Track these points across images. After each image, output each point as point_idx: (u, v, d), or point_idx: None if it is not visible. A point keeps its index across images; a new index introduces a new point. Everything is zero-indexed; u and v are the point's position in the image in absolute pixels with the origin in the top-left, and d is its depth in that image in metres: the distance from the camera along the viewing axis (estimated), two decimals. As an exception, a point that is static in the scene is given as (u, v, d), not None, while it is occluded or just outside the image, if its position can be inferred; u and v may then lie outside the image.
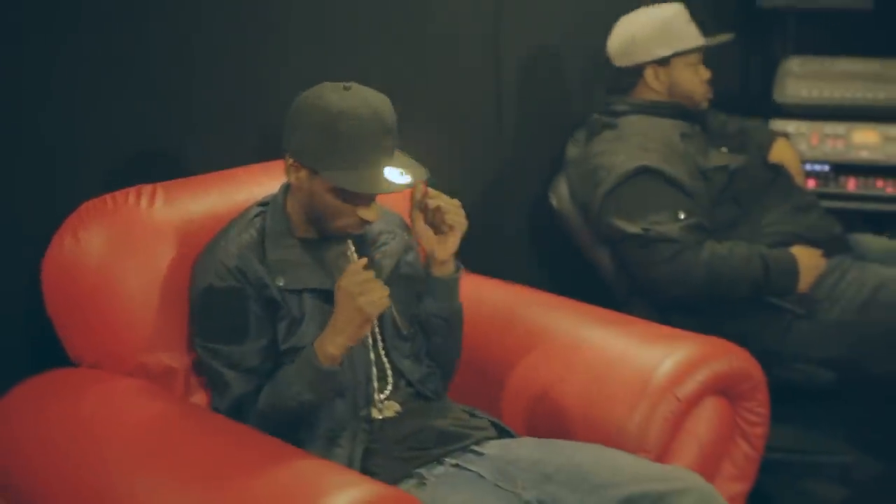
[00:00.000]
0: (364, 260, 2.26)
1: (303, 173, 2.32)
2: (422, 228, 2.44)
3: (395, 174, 2.27)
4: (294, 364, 2.30)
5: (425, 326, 2.51)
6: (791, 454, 3.21)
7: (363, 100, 2.27)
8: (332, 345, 2.25)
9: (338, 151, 2.25)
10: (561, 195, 3.36)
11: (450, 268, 2.48)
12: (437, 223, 2.43)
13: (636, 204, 3.11)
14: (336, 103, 2.25)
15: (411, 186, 2.30)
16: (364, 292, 2.21)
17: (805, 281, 3.10)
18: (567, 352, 2.65)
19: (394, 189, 2.26)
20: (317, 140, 2.26)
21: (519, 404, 2.65)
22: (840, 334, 3.08)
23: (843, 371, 3.10)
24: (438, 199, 2.41)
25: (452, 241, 2.44)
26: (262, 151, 2.61)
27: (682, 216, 3.08)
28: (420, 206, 2.42)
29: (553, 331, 2.73)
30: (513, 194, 3.57)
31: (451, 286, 2.49)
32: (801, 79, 3.82)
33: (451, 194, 2.44)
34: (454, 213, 2.42)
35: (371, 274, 2.24)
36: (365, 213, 2.33)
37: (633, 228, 3.10)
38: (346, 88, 2.28)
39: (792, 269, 3.09)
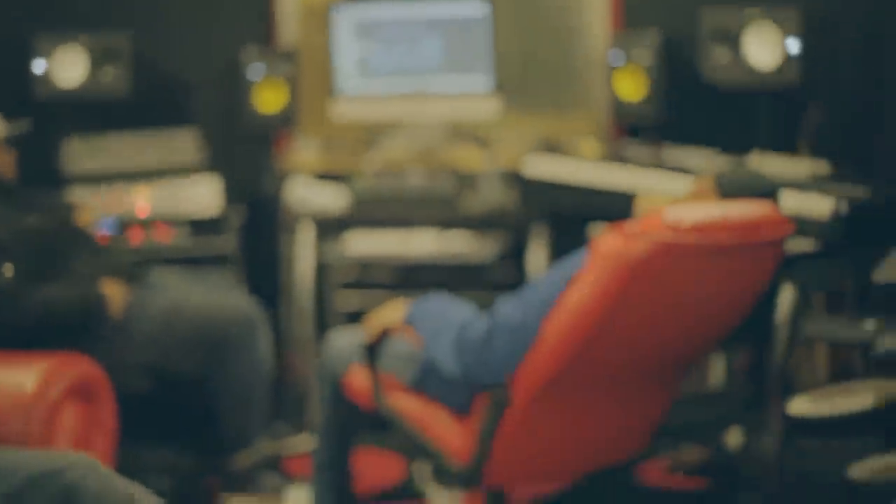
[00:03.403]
0: None
1: None
2: None
3: None
4: None
5: None
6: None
7: None
8: None
9: None
10: None
11: None
12: None
13: None
14: None
15: None
16: None
17: (116, 309, 3.80)
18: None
19: None
20: None
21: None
22: (148, 345, 3.83)
23: (157, 375, 3.86)
24: None
25: None
26: None
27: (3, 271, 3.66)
28: None
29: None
30: None
31: None
32: (83, 153, 4.53)
33: None
34: None
35: None
36: None
37: None
38: None
39: (98, 303, 3.77)
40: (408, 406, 3.21)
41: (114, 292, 3.82)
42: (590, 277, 2.83)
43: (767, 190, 3.07)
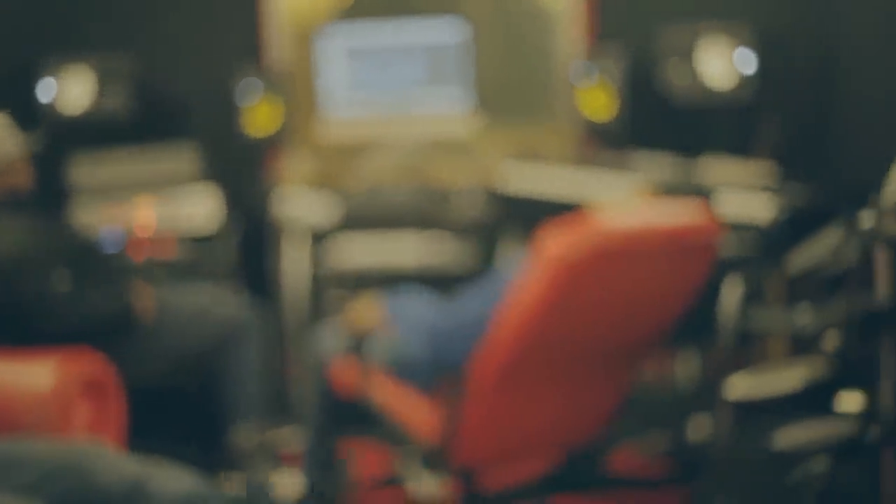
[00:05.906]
0: None
1: None
2: None
3: None
4: None
5: None
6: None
7: None
8: None
9: None
10: None
11: None
12: None
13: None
14: None
15: None
16: None
17: (147, 314, 4.09)
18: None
19: None
20: None
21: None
22: (170, 347, 4.13)
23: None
24: None
25: None
26: None
27: (61, 281, 3.90)
28: None
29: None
30: None
31: None
32: (86, 168, 4.85)
33: None
34: None
35: None
36: None
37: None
38: None
39: (132, 309, 4.04)
40: (386, 392, 3.50)
41: (144, 299, 4.11)
42: (534, 277, 3.10)
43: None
